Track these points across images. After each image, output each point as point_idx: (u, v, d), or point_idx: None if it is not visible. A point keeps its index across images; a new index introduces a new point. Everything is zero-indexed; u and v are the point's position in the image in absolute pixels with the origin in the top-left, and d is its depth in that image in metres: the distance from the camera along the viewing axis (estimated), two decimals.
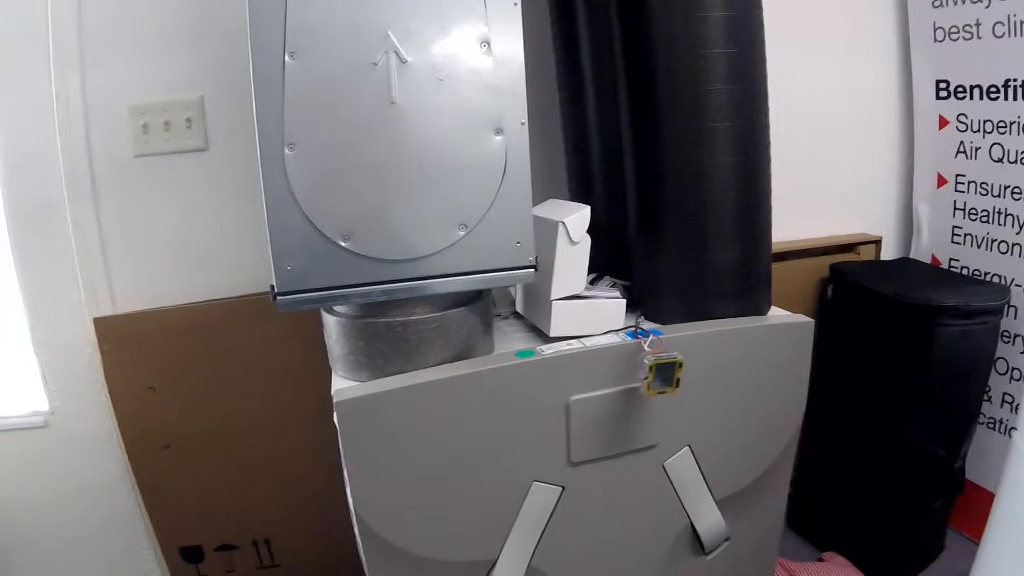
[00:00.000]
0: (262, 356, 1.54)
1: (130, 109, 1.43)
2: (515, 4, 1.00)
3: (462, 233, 1.01)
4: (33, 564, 1.61)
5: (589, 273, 1.22)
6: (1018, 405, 1.60)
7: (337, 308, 1.08)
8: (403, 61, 0.95)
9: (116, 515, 1.61)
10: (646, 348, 1.05)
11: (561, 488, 1.11)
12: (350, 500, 1.02)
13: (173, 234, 1.51)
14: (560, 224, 1.07)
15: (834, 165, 1.97)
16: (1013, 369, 1.82)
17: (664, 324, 1.18)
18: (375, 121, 0.96)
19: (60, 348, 1.49)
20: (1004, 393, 1.85)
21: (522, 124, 1.01)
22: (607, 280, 1.24)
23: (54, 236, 1.44)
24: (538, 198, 1.24)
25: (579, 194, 1.47)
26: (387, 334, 1.02)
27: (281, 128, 0.93)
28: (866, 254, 1.99)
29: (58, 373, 1.51)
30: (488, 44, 0.99)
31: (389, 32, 0.94)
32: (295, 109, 0.93)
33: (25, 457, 1.54)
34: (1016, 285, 1.78)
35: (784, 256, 1.87)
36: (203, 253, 1.53)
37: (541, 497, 1.10)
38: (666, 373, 1.04)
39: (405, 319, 1.03)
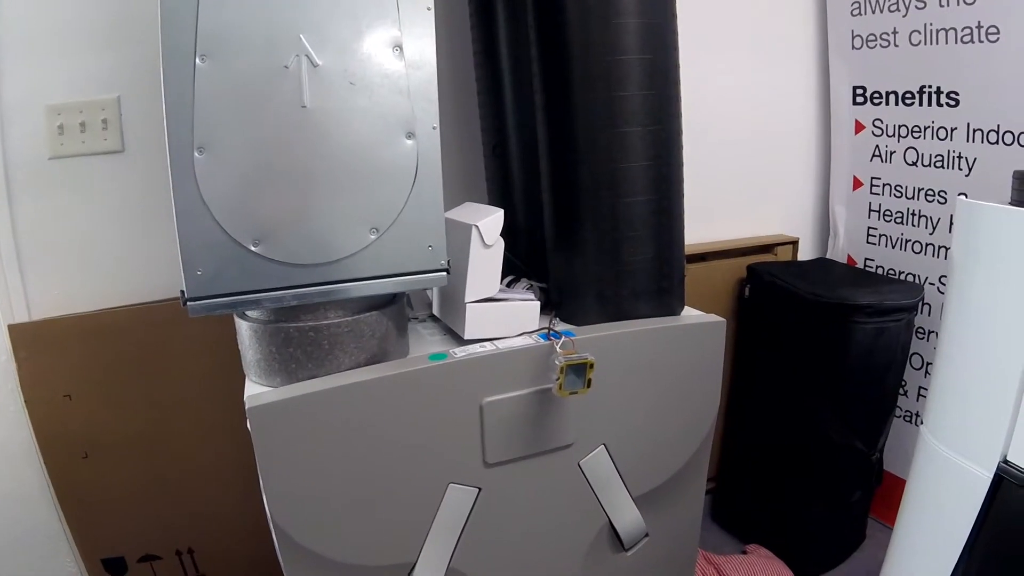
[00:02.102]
0: (181, 362, 1.51)
1: (46, 109, 1.39)
2: (428, 9, 1.00)
3: (374, 237, 1.01)
4: None
5: (507, 276, 1.23)
6: None
7: (249, 313, 1.06)
8: (315, 65, 0.95)
9: (36, 527, 1.56)
10: (558, 349, 1.07)
11: (477, 489, 1.12)
12: (266, 507, 1.02)
13: (89, 238, 1.47)
14: (473, 228, 1.08)
15: (753, 167, 2.03)
16: (928, 364, 1.89)
17: (579, 325, 1.20)
18: (286, 125, 0.95)
19: None
20: (919, 387, 1.93)
21: (434, 128, 1.02)
22: (524, 282, 1.26)
23: None
24: (457, 201, 1.26)
25: (498, 197, 1.48)
26: (300, 339, 1.02)
27: (191, 131, 0.91)
28: (783, 255, 2.05)
29: None
30: (400, 48, 0.99)
31: (301, 36, 0.93)
32: (205, 112, 0.91)
33: None
34: (930, 283, 1.85)
35: (703, 257, 1.92)
36: (120, 257, 1.49)
37: (458, 499, 1.11)
38: (578, 373, 1.06)
39: (318, 323, 1.02)
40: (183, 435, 1.55)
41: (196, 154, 0.92)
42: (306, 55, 0.94)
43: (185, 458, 1.57)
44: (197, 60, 0.90)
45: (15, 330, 1.42)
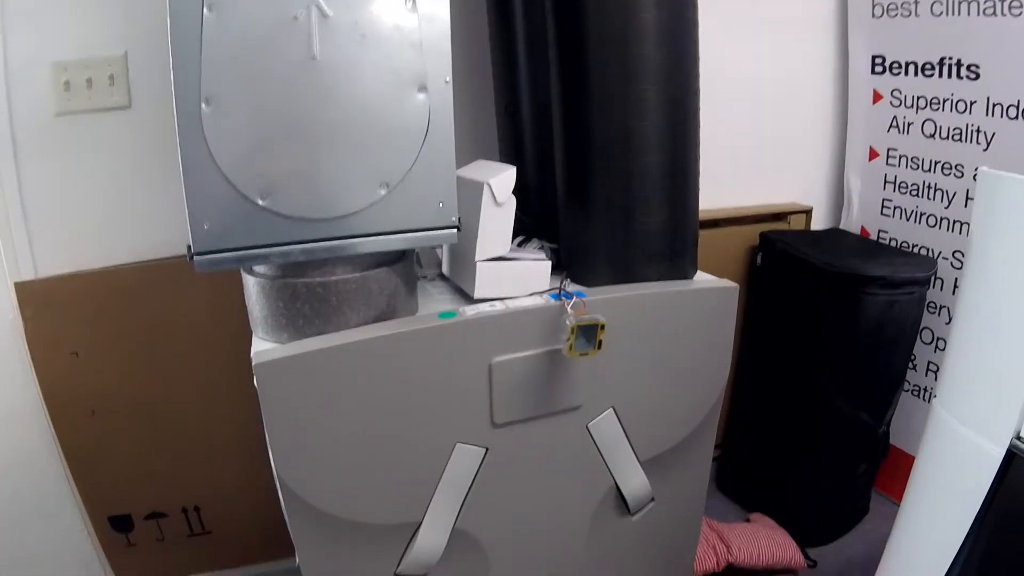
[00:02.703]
0: (189, 319, 1.51)
1: (53, 66, 1.37)
2: None
3: (383, 192, 0.99)
4: None
5: (518, 236, 1.22)
6: None
7: (257, 268, 1.05)
8: (325, 16, 0.92)
9: (43, 485, 1.57)
10: (569, 310, 1.06)
11: (485, 449, 1.12)
12: (272, 464, 1.01)
13: (96, 195, 1.46)
14: (485, 185, 1.07)
15: (768, 135, 2.00)
16: (938, 339, 1.88)
17: (590, 287, 1.19)
18: (296, 77, 0.93)
19: None
20: (929, 362, 1.91)
21: (446, 82, 1.00)
22: (535, 242, 1.24)
23: None
24: (468, 159, 1.24)
25: (510, 156, 1.46)
26: (308, 294, 1.01)
27: (198, 84, 0.89)
28: (796, 223, 2.02)
29: None
30: (413, 1, 0.96)
31: None
32: (213, 64, 0.89)
33: None
34: (943, 258, 1.83)
35: (716, 223, 1.90)
36: (127, 214, 1.48)
37: (465, 458, 1.11)
38: (588, 335, 1.05)
39: (326, 279, 1.01)
40: (189, 393, 1.56)
41: (203, 106, 0.90)
42: (316, 5, 0.92)
43: (191, 416, 1.57)
44: (205, 10, 0.88)
45: (21, 288, 1.42)
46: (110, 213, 1.48)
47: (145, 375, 1.52)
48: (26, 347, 1.45)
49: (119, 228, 1.49)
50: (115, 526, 1.62)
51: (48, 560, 1.60)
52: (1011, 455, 0.90)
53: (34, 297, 1.43)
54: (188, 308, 1.50)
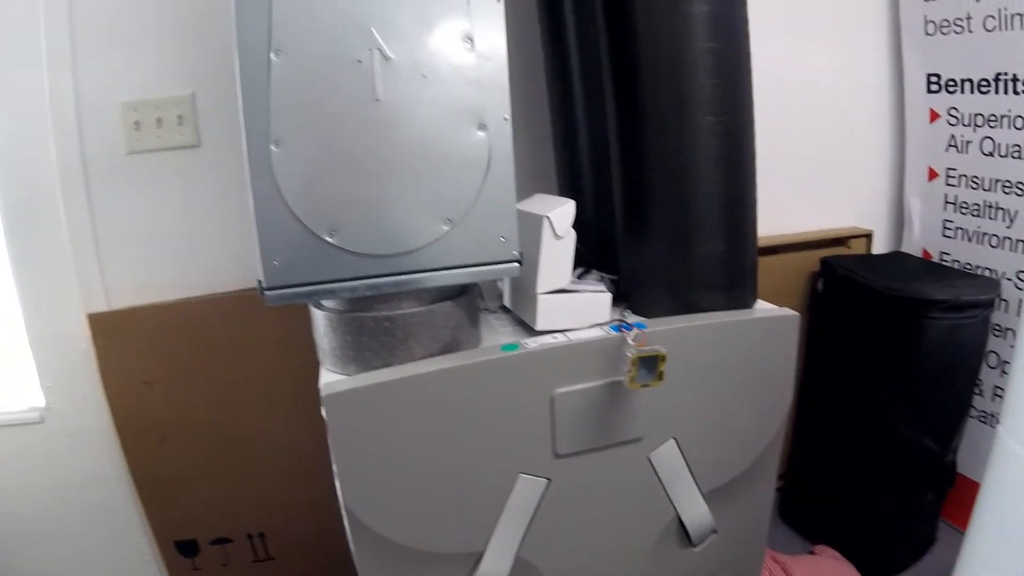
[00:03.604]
0: (257, 350, 1.55)
1: (123, 106, 1.44)
2: (498, 1, 1.00)
3: (446, 228, 1.01)
4: (30, 559, 1.62)
5: (577, 268, 1.23)
6: None
7: (325, 303, 1.09)
8: (387, 58, 0.95)
9: (112, 509, 1.62)
10: (630, 341, 1.06)
11: (547, 480, 1.12)
12: (339, 492, 1.03)
13: (166, 230, 1.52)
14: (545, 219, 1.08)
15: (825, 158, 1.98)
16: (1004, 363, 1.82)
17: (649, 317, 1.19)
18: (359, 117, 0.96)
19: (55, 343, 1.50)
20: (995, 387, 1.85)
21: (505, 119, 1.02)
22: (594, 274, 1.25)
23: (49, 233, 1.45)
24: (526, 193, 1.25)
25: (567, 189, 1.47)
26: (374, 328, 1.03)
27: (267, 125, 0.93)
28: (857, 248, 1.99)
29: (53, 369, 1.52)
30: (471, 40, 0.99)
31: (373, 29, 0.94)
32: (280, 106, 0.93)
33: (21, 452, 1.55)
34: (1007, 278, 1.78)
35: (775, 250, 1.88)
36: (196, 248, 1.53)
37: (527, 489, 1.11)
38: (650, 366, 1.05)
39: (392, 313, 1.03)
40: (256, 421, 1.59)
41: (272, 147, 0.94)
42: (379, 48, 0.95)
43: (258, 444, 1.61)
44: (272, 55, 0.92)
45: (94, 319, 1.48)
46: (180, 247, 1.53)
47: (214, 404, 1.56)
48: (99, 376, 1.50)
49: (189, 262, 1.54)
50: (181, 551, 1.65)
51: None
52: None
53: (106, 328, 1.48)
54: (256, 339, 1.54)
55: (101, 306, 1.51)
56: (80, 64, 1.40)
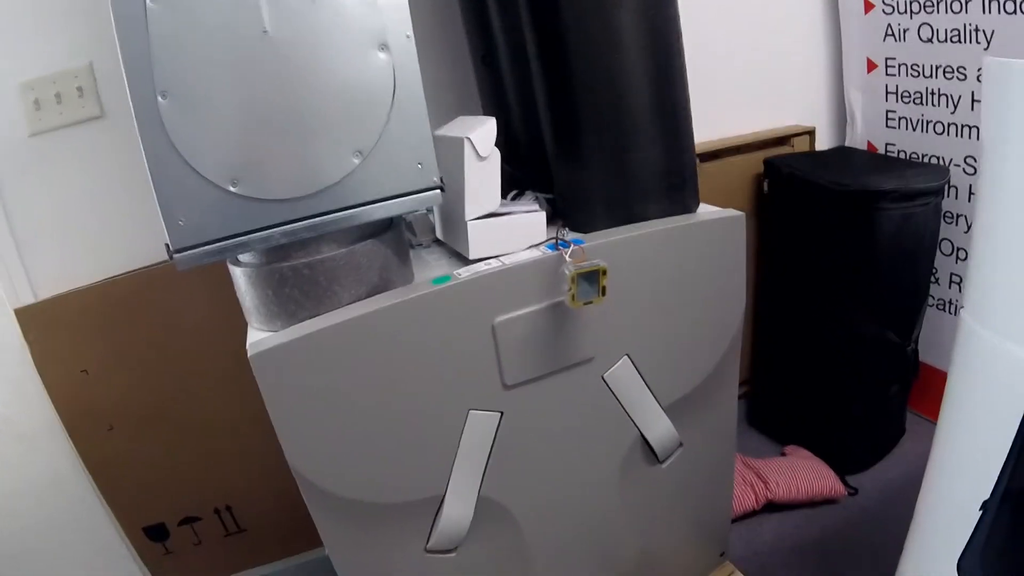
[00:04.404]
0: (192, 320, 1.49)
1: (20, 87, 1.34)
2: None
3: (357, 161, 0.95)
4: (1, 566, 1.58)
5: (512, 190, 1.18)
6: None
7: (241, 258, 1.02)
8: None
9: (76, 506, 1.57)
10: (567, 258, 1.02)
11: (499, 413, 1.09)
12: (285, 453, 0.99)
13: (82, 209, 1.44)
14: (465, 140, 1.02)
15: (761, 58, 1.93)
16: (959, 249, 1.82)
17: (589, 232, 1.14)
18: (249, 55, 0.89)
19: None
20: (951, 273, 1.86)
21: (408, 37, 0.95)
22: (529, 195, 1.20)
23: None
24: (449, 117, 1.20)
25: (493, 109, 1.40)
26: (295, 278, 0.97)
27: (151, 77, 0.86)
28: (800, 146, 1.97)
29: None
30: None
31: None
32: (163, 55, 0.86)
33: None
34: (955, 165, 1.77)
35: (717, 155, 1.84)
36: (115, 224, 1.46)
37: (480, 425, 1.08)
38: (590, 281, 1.01)
39: (311, 259, 0.97)
40: (204, 394, 1.55)
41: (160, 99, 0.87)
42: None
43: (210, 416, 1.56)
44: (147, 1, 0.84)
45: (22, 313, 1.41)
46: (98, 225, 1.45)
47: (157, 382, 1.51)
48: (35, 372, 1.44)
49: (109, 239, 1.46)
50: (151, 536, 1.62)
51: None
52: None
53: (36, 321, 1.42)
54: (189, 309, 1.48)
55: (28, 299, 1.43)
56: None
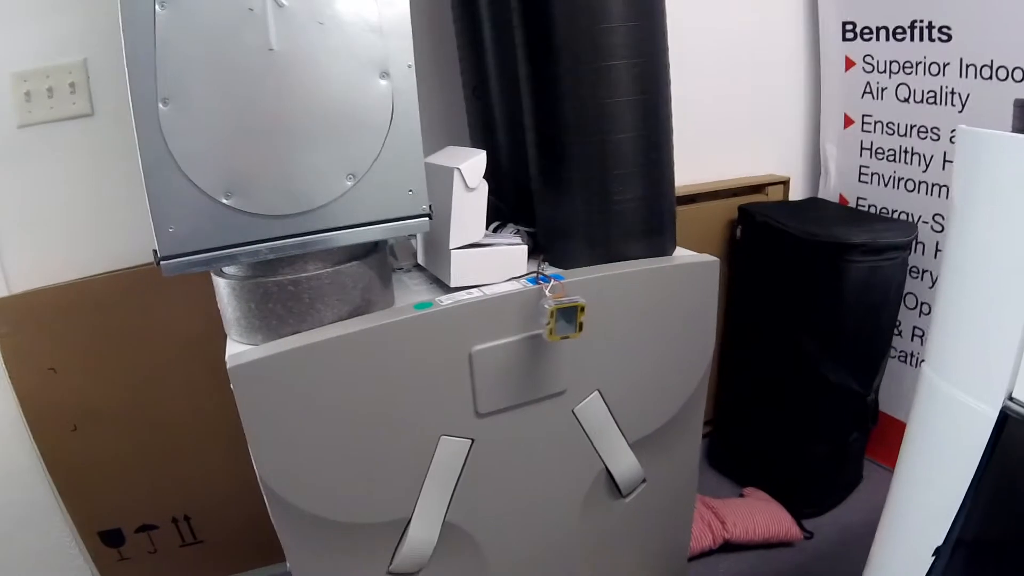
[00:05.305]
0: (166, 326, 1.48)
1: (12, 77, 1.34)
2: None
3: (350, 183, 0.97)
4: None
5: (494, 221, 1.20)
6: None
7: (226, 269, 1.03)
8: (280, 5, 0.90)
9: (30, 503, 1.54)
10: (547, 293, 1.04)
11: (470, 440, 1.10)
12: (255, 467, 0.99)
13: (64, 206, 1.43)
14: (455, 171, 1.05)
15: (741, 107, 1.99)
16: (923, 303, 1.88)
17: (568, 268, 1.17)
18: (254, 70, 0.91)
19: None
20: (914, 327, 1.91)
21: (409, 67, 0.97)
22: (511, 227, 1.22)
23: None
24: (438, 145, 1.22)
25: (481, 141, 1.43)
26: (279, 293, 0.98)
27: (154, 83, 0.87)
28: (774, 195, 2.02)
29: None
30: None
31: None
32: (168, 62, 0.87)
33: None
34: (923, 222, 1.83)
35: (694, 199, 1.89)
36: (97, 224, 1.45)
37: (450, 451, 1.09)
38: (569, 317, 1.03)
39: (297, 276, 0.99)
40: (172, 402, 1.53)
41: (161, 106, 0.88)
42: None
43: (174, 424, 1.55)
44: (157, 7, 0.86)
45: None
46: (79, 224, 1.45)
47: (125, 386, 1.49)
48: (2, 365, 1.41)
49: (89, 238, 1.46)
50: (106, 541, 1.59)
51: None
52: (1004, 416, 0.89)
53: (7, 314, 1.40)
54: (165, 315, 1.47)
55: (1, 292, 1.41)
56: None
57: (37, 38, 1.34)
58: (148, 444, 1.54)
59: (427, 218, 1.03)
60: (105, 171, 1.43)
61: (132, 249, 1.45)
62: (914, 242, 1.79)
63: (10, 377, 1.43)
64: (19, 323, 1.41)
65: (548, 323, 1.03)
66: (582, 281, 1.11)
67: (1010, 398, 0.89)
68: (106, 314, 1.45)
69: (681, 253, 1.25)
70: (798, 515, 1.76)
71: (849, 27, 1.89)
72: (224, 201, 0.92)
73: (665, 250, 1.23)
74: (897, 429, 1.14)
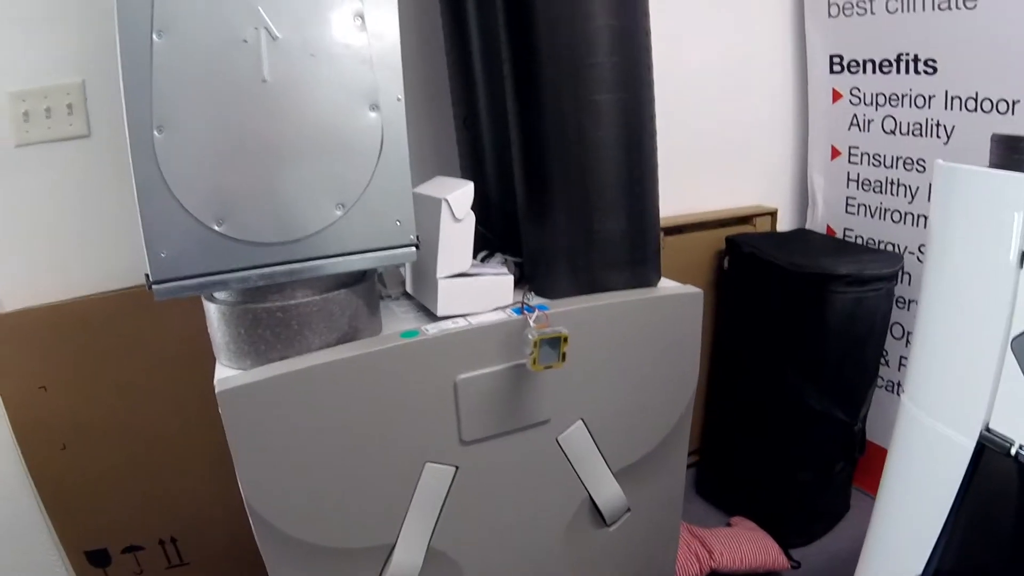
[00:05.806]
0: (156, 348, 1.49)
1: (10, 96, 1.35)
2: None
3: (340, 213, 0.99)
4: None
5: (481, 251, 1.21)
6: None
7: (217, 295, 1.05)
8: (274, 37, 0.92)
9: (17, 521, 1.54)
10: (531, 323, 1.06)
11: (455, 468, 1.11)
12: (242, 491, 1.00)
13: (57, 227, 1.44)
14: (443, 201, 1.06)
15: (730, 138, 2.01)
16: (908, 333, 1.89)
17: (553, 298, 1.19)
18: (247, 100, 0.93)
19: None
20: (901, 357, 1.93)
21: (399, 99, 1.00)
22: (498, 257, 1.24)
23: None
24: (428, 175, 1.24)
25: (470, 171, 1.46)
26: (268, 319, 1.00)
27: (150, 110, 0.89)
28: (762, 226, 2.04)
29: None
30: (362, 18, 0.97)
31: (259, 7, 0.91)
32: (164, 90, 0.89)
33: None
34: (909, 252, 1.85)
35: (681, 229, 1.91)
36: (89, 245, 1.46)
37: (435, 478, 1.10)
38: (552, 347, 1.05)
39: (286, 303, 1.00)
40: (161, 423, 1.53)
41: (156, 133, 0.90)
42: (265, 27, 0.92)
43: (163, 446, 1.55)
44: (154, 36, 0.88)
45: None
46: (72, 244, 1.46)
47: (115, 406, 1.50)
48: None
49: (82, 259, 1.46)
50: (92, 561, 1.59)
51: None
52: (981, 447, 0.91)
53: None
54: (155, 337, 1.48)
55: None
56: None
57: (36, 58, 1.36)
58: (136, 465, 1.54)
59: (414, 248, 1.04)
60: (99, 192, 1.44)
61: (123, 270, 1.46)
62: (900, 272, 1.80)
63: (1, 395, 1.43)
64: (10, 341, 1.41)
65: (532, 353, 1.04)
66: (566, 312, 1.13)
67: (987, 429, 0.90)
68: (96, 334, 1.45)
69: (666, 284, 1.27)
70: (785, 544, 1.76)
71: (836, 60, 1.92)
72: (215, 228, 0.94)
73: (649, 281, 1.24)
74: (884, 458, 1.15)
